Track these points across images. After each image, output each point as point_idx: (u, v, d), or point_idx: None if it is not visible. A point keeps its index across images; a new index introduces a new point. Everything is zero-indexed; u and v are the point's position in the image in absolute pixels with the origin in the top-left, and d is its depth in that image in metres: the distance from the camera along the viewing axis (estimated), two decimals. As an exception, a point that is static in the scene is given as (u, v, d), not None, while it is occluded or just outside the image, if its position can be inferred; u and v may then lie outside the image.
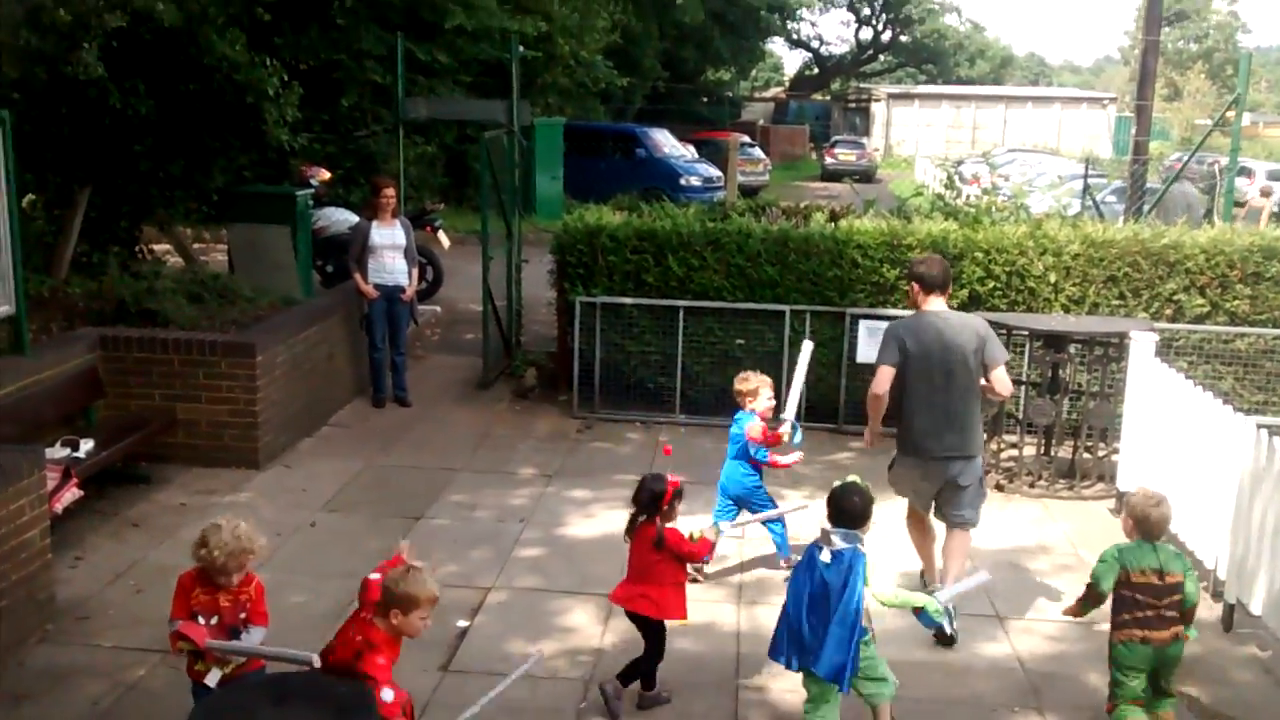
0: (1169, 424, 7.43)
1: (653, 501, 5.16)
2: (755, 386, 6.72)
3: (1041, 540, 7.58)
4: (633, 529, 5.24)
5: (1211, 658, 6.02)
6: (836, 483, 4.99)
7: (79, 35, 9.33)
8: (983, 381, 6.21)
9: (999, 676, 5.77)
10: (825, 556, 4.76)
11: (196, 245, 15.19)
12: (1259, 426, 6.18)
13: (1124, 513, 5.20)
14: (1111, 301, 9.48)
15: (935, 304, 6.22)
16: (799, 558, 5.07)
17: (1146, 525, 5.04)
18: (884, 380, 6.13)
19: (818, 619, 4.69)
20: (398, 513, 7.58)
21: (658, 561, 5.15)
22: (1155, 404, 7.67)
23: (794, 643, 4.79)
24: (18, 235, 7.42)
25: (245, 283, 10.52)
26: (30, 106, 9.88)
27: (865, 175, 39.23)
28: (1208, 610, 6.54)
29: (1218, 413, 6.71)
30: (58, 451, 6.99)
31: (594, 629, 6.11)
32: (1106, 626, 6.28)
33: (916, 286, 6.26)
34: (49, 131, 10.70)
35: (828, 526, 4.85)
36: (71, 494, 6.59)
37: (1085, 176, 19.37)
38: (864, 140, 45.59)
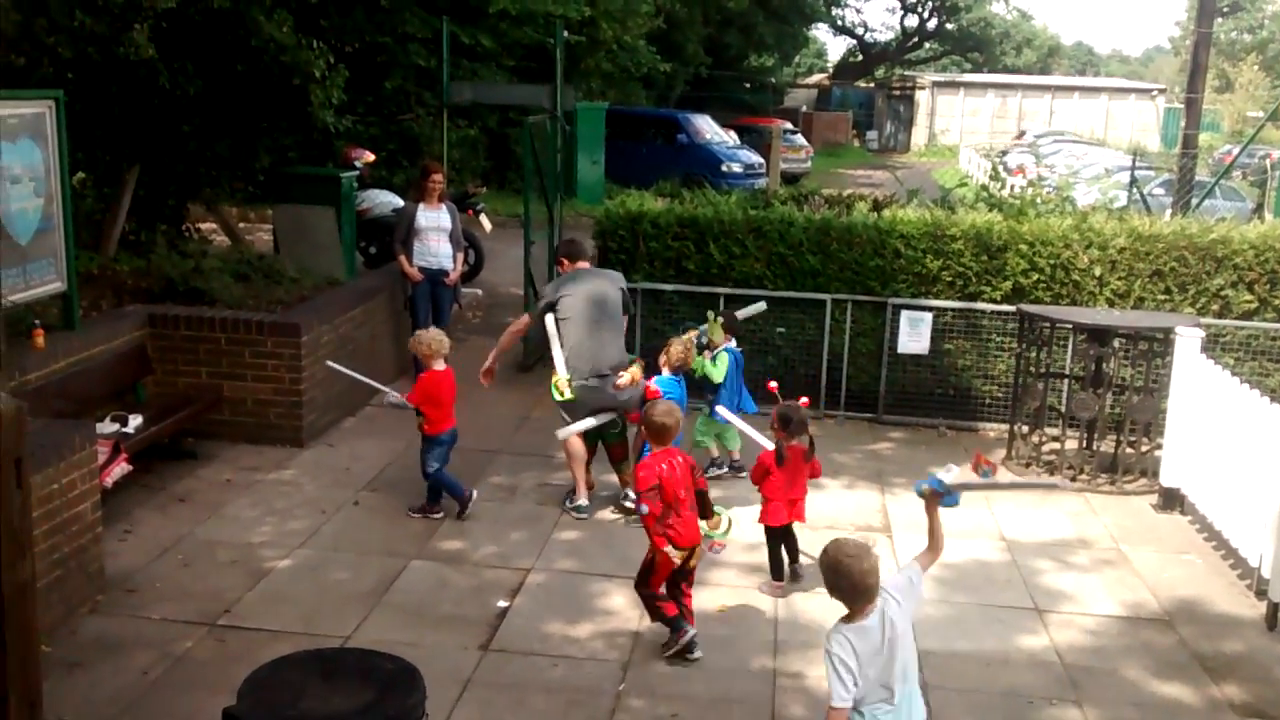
0: (1214, 420, 7.36)
1: (804, 424, 6.37)
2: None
3: (1082, 534, 7.54)
4: (782, 453, 6.34)
5: (1256, 656, 5.97)
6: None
7: (130, 16, 9.43)
8: None
9: (1037, 669, 5.76)
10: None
11: (242, 225, 15.34)
12: (1307, 424, 6.11)
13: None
14: (1157, 296, 9.38)
15: (581, 265, 7.75)
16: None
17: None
18: (526, 321, 7.89)
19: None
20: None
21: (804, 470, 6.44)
22: (1200, 400, 7.60)
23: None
24: (69, 213, 7.54)
25: (290, 263, 10.59)
26: (82, 86, 10.00)
27: None
28: (1251, 608, 6.49)
29: (1265, 410, 6.65)
30: (107, 427, 7.12)
31: (631, 612, 6.14)
32: (1149, 620, 6.28)
33: (566, 261, 7.77)
34: (100, 111, 10.84)
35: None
36: (121, 468, 6.72)
37: (1132, 169, 19.12)
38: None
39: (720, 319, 8.28)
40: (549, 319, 7.48)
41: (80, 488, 5.84)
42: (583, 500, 7.46)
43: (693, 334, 8.07)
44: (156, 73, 10.37)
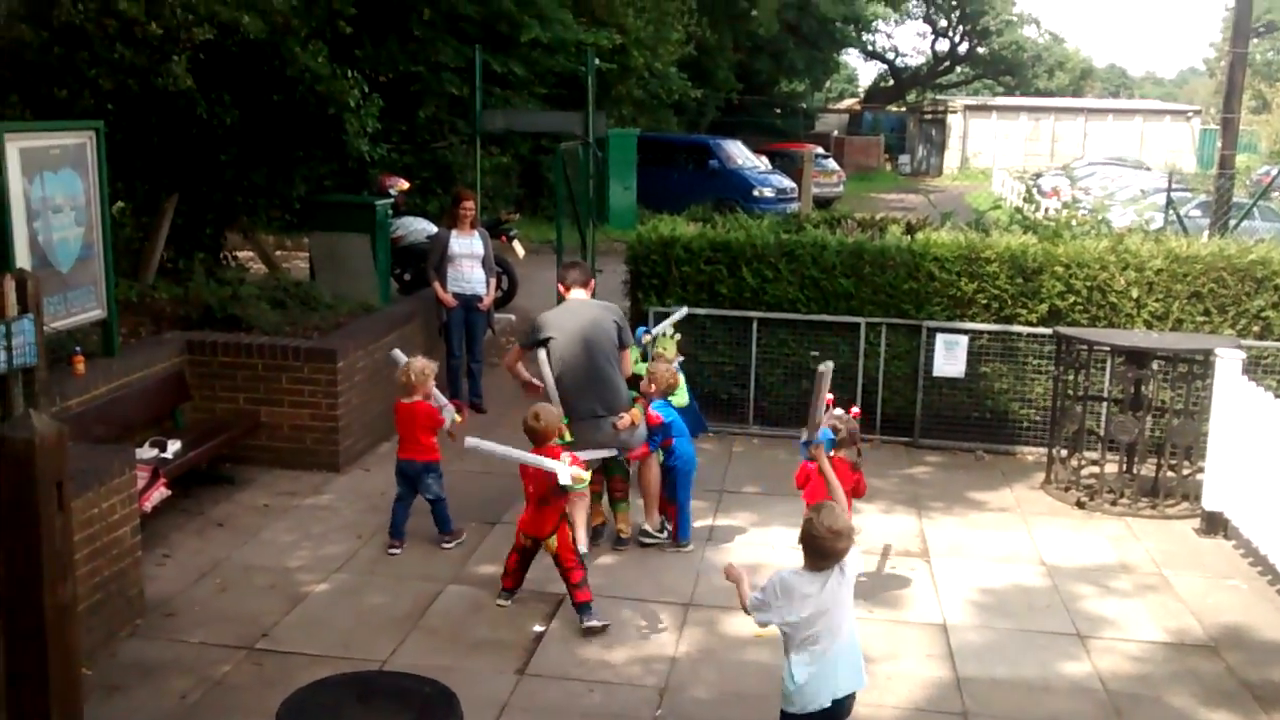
0: (1257, 443, 7.25)
1: (853, 436, 6.51)
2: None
3: (1123, 559, 7.44)
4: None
5: (1301, 683, 5.86)
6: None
7: (169, 48, 9.59)
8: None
9: (1080, 696, 5.67)
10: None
11: (279, 252, 15.48)
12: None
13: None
14: (1196, 318, 9.28)
15: (576, 294, 7.43)
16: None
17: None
18: (511, 356, 7.65)
19: None
20: (475, 516, 7.65)
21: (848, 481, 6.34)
22: (1242, 422, 7.50)
23: None
24: (109, 241, 7.65)
25: (326, 290, 10.68)
26: (121, 117, 10.17)
27: None
28: (1297, 634, 6.38)
29: (1309, 431, 6.55)
30: (146, 452, 7.18)
31: (668, 637, 6.12)
32: (1194, 647, 6.17)
33: (562, 286, 7.54)
34: (139, 141, 11.00)
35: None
36: (160, 493, 6.76)
37: (1169, 190, 18.98)
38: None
39: (677, 335, 8.26)
40: (542, 354, 7.08)
41: (120, 512, 5.88)
42: (582, 547, 6.77)
43: (645, 340, 8.09)
44: (194, 103, 10.53)
